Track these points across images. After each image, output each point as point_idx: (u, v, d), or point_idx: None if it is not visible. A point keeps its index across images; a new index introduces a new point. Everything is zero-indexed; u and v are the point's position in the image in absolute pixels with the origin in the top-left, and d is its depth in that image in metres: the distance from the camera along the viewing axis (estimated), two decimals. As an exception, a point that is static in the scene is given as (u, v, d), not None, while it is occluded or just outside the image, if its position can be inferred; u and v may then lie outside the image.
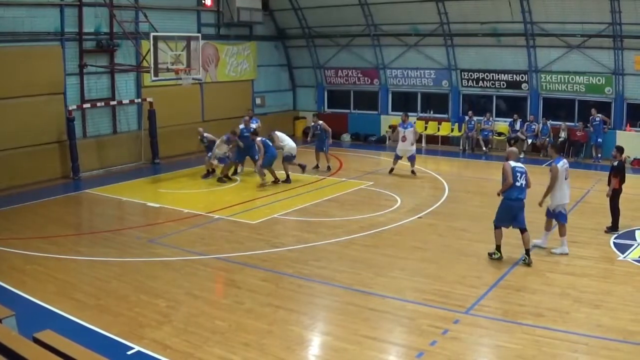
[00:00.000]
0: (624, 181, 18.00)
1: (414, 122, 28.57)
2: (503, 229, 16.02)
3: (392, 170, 26.88)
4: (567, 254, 15.96)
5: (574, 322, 12.01)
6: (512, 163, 15.95)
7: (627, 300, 13.11)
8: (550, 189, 16.11)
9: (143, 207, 22.19)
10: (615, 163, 18.03)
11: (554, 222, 16.68)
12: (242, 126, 26.09)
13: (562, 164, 16.14)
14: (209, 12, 33.62)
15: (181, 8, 32.03)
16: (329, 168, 27.65)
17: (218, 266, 15.91)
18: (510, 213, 15.88)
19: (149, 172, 28.28)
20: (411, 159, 26.54)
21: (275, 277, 14.86)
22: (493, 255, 15.99)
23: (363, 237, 17.94)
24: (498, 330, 11.76)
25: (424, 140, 34.87)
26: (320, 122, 28.15)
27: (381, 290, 13.92)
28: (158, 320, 12.29)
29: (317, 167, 27.93)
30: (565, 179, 16.21)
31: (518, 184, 15.78)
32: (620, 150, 18.24)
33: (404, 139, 26.31)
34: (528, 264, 15.41)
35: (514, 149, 17.43)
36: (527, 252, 15.60)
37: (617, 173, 17.88)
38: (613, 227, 17.98)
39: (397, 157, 26.80)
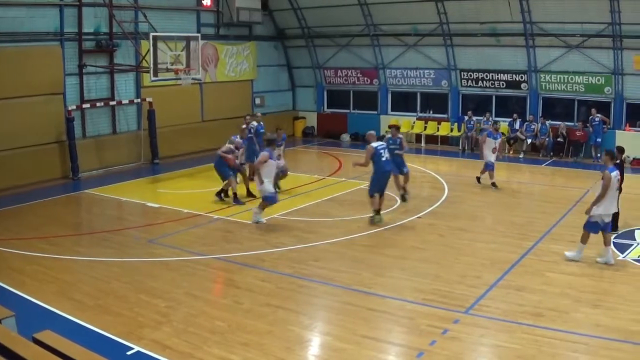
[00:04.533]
0: (622, 181, 17.98)
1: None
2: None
3: (489, 182, 24.45)
4: (612, 263, 15.52)
5: (574, 322, 12.02)
6: (374, 144, 19.24)
7: (626, 299, 13.12)
8: (600, 198, 15.46)
9: (142, 207, 22.18)
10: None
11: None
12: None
13: (616, 174, 15.61)
14: (209, 12, 33.62)
15: (180, 8, 32.02)
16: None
17: (217, 266, 15.95)
18: (381, 183, 19.31)
19: (148, 172, 28.30)
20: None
21: (274, 277, 14.86)
22: (374, 219, 19.10)
23: (362, 237, 17.96)
24: (498, 330, 11.77)
25: (423, 140, 34.96)
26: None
27: (381, 290, 13.93)
28: (157, 320, 12.29)
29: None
30: (616, 190, 15.80)
31: (383, 158, 19.18)
32: (621, 150, 18.22)
33: (494, 150, 24.17)
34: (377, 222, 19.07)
35: (371, 132, 20.19)
36: (378, 212, 19.33)
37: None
38: (612, 227, 17.96)
39: (490, 167, 24.32)
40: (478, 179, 24.57)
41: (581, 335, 11.38)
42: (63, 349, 6.83)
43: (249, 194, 22.60)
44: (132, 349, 10.97)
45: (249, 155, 23.92)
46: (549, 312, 12.44)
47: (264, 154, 19.00)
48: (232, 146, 22.00)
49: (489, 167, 24.14)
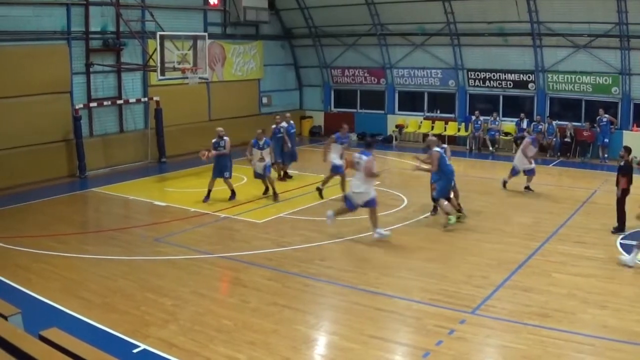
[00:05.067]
0: (631, 182, 17.95)
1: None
2: None
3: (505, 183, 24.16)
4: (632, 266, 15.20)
5: (580, 323, 12.00)
6: (438, 148, 18.97)
7: (633, 301, 13.08)
8: None
9: (149, 206, 22.24)
10: (622, 163, 17.99)
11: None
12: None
13: None
14: (216, 12, 33.66)
15: (188, 7, 32.08)
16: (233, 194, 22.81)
17: (224, 265, 15.96)
18: (449, 187, 19.22)
19: (155, 171, 28.35)
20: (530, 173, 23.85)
21: (281, 276, 14.87)
22: (451, 221, 18.69)
23: (369, 236, 17.85)
24: (504, 331, 11.75)
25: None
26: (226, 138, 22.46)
27: (387, 290, 13.92)
28: (164, 318, 12.31)
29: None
30: None
31: (448, 161, 19.07)
32: (628, 150, 18.20)
33: (532, 158, 23.46)
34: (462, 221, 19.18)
35: (433, 137, 20.54)
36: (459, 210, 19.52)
37: (625, 173, 17.83)
38: (619, 228, 17.93)
39: (516, 173, 23.81)
40: (527, 187, 23.65)
41: (587, 337, 11.35)
42: (69, 347, 6.82)
43: (273, 194, 22.60)
44: (139, 347, 11.00)
45: (278, 155, 24.25)
46: (555, 313, 12.42)
47: (372, 159, 17.64)
48: (215, 139, 22.22)
49: (515, 173, 23.75)
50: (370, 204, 17.60)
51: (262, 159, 22.21)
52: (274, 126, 25.04)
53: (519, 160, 23.46)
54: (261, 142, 22.33)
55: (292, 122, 26.17)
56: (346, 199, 18.32)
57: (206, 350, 10.89)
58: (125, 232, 18.72)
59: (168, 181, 26.62)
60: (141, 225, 19.59)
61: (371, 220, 17.70)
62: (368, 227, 18.49)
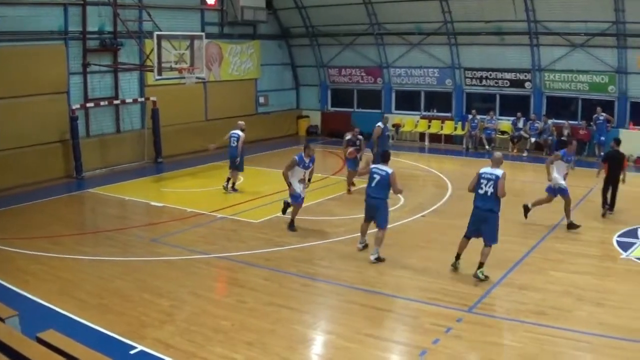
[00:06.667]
0: (613, 168, 18.94)
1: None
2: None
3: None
4: None
5: (577, 321, 12.04)
6: (483, 169, 15.06)
7: (629, 298, 13.13)
8: None
9: (146, 206, 22.23)
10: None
11: None
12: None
13: None
14: (213, 11, 33.65)
15: (185, 7, 32.06)
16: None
17: (221, 265, 15.97)
18: (470, 222, 15.24)
19: (152, 171, 28.30)
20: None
21: (278, 276, 14.87)
22: (454, 265, 15.19)
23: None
24: (501, 329, 11.80)
25: (427, 139, 34.92)
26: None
27: (384, 289, 13.95)
28: (161, 319, 12.32)
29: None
30: None
31: (481, 191, 14.94)
32: (617, 142, 19.38)
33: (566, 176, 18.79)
34: (483, 278, 14.35)
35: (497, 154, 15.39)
36: (481, 264, 14.45)
37: (606, 159, 19.30)
38: (602, 206, 19.47)
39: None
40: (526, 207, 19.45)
41: (584, 334, 11.40)
42: (66, 349, 6.84)
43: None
44: (136, 348, 11.01)
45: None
46: (551, 311, 12.45)
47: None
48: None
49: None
50: None
51: (302, 180, 18.79)
52: (357, 129, 25.02)
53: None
54: (307, 160, 18.59)
55: (387, 124, 25.98)
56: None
57: (203, 351, 10.90)
58: (122, 233, 18.70)
59: (165, 181, 26.58)
60: (138, 226, 19.59)
61: None
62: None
